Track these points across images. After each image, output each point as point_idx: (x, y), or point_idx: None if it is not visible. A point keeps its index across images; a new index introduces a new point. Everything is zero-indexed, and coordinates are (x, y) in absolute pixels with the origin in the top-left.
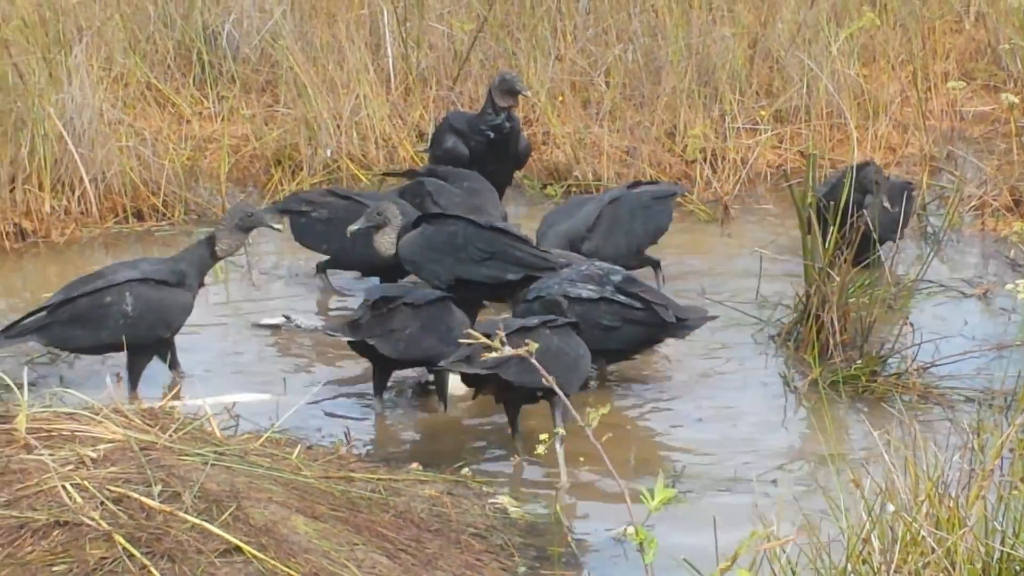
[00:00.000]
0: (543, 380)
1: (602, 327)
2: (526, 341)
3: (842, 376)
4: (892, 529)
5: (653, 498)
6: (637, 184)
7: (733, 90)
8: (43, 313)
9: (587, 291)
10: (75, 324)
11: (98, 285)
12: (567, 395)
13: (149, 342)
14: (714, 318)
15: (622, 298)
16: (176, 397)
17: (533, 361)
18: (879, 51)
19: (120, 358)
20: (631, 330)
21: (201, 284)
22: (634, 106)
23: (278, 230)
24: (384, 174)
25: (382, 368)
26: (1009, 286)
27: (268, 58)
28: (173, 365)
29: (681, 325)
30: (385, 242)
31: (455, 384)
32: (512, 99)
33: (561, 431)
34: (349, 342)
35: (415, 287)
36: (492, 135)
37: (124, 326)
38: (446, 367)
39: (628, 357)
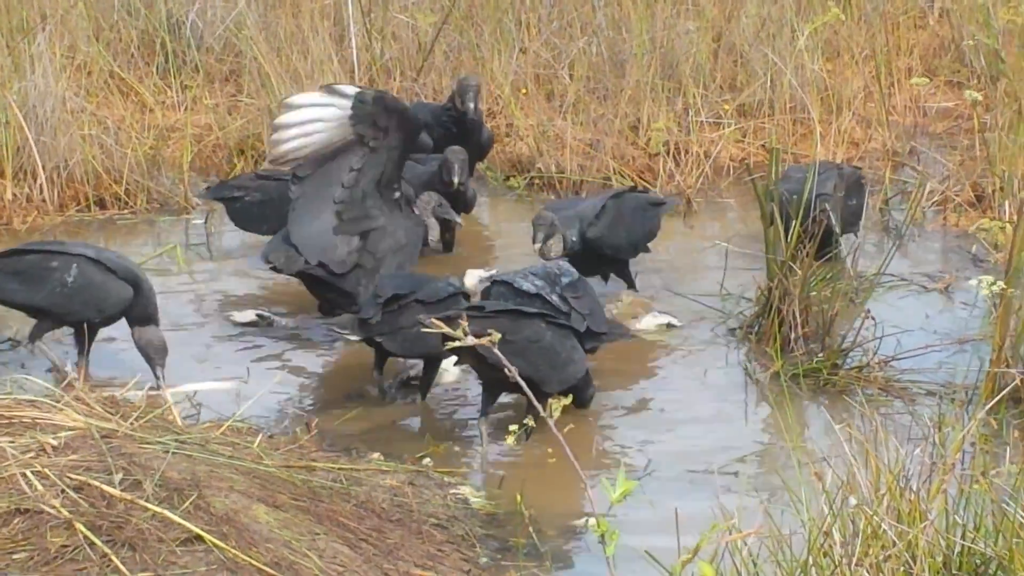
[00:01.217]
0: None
1: None
2: (490, 331)
3: (803, 369)
4: (853, 522)
5: (615, 490)
6: (634, 189)
7: (697, 84)
8: None
9: (529, 285)
10: (15, 277)
11: (51, 248)
12: (547, 392)
13: (74, 319)
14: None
15: (554, 299)
16: (138, 386)
17: (495, 350)
18: (843, 46)
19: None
20: None
21: None
22: (598, 99)
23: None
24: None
25: (383, 356)
26: (972, 281)
27: (232, 48)
28: (81, 351)
29: (593, 336)
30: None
31: (445, 368)
32: (464, 107)
33: (530, 423)
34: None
35: (425, 279)
36: (454, 129)
37: (59, 295)
38: (423, 320)
39: None
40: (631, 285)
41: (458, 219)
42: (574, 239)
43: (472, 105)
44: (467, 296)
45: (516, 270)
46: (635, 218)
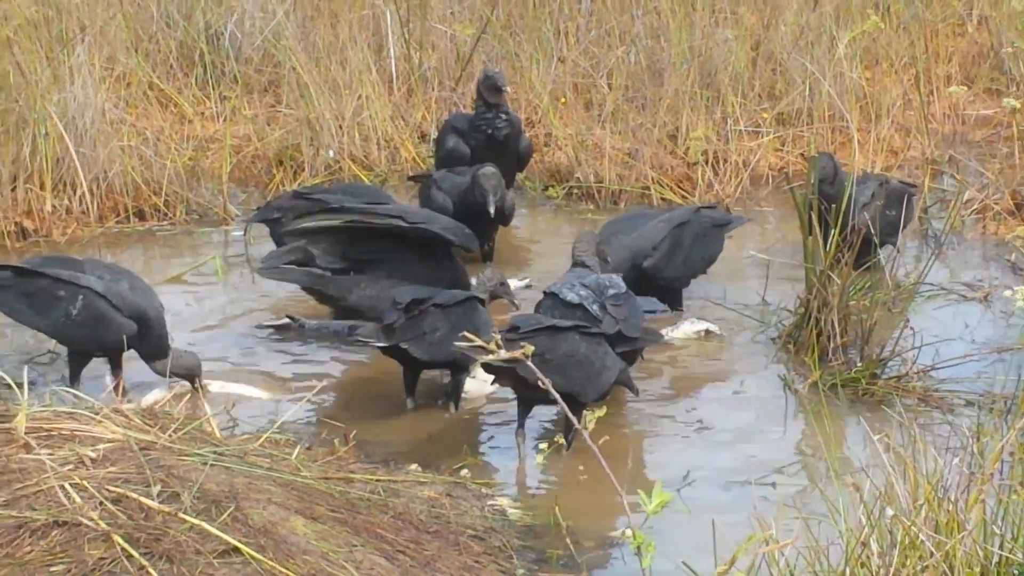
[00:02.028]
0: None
1: None
2: (522, 344)
3: (842, 379)
4: (891, 533)
5: (651, 501)
6: (700, 208)
7: (735, 92)
8: (8, 272)
9: (573, 295)
10: (25, 299)
11: (62, 276)
12: (583, 402)
13: (77, 348)
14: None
15: (594, 308)
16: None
17: (530, 364)
18: (882, 54)
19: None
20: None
21: None
22: (636, 108)
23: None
24: (410, 179)
25: (413, 369)
26: (1008, 292)
27: (270, 58)
28: (115, 367)
29: (625, 341)
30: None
31: (471, 387)
32: (497, 95)
33: (560, 440)
34: (381, 348)
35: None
36: (490, 132)
37: (62, 325)
38: (465, 349)
39: None
40: (678, 307)
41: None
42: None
43: (506, 86)
44: (483, 301)
45: (568, 278)
46: (695, 247)
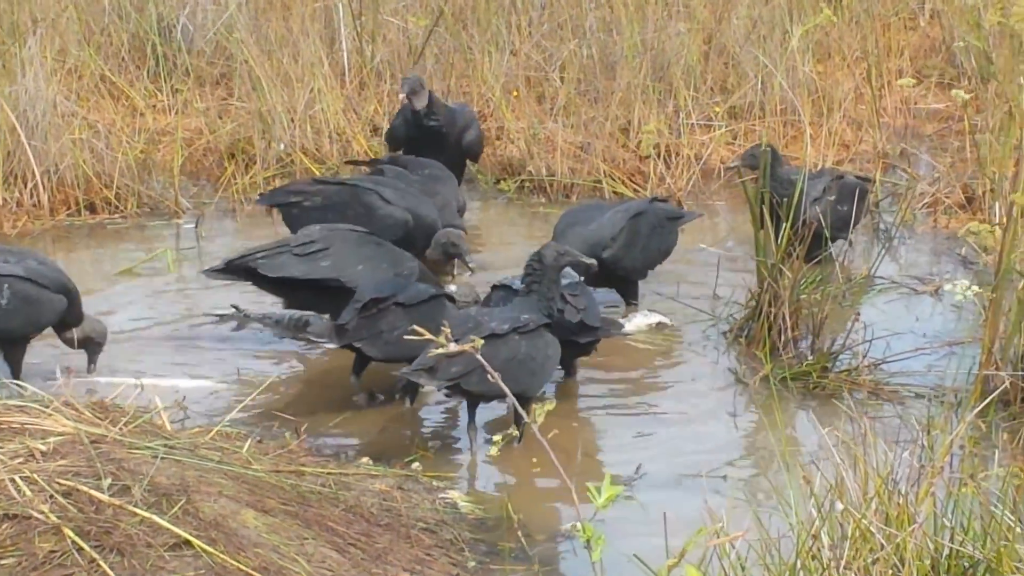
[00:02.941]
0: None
1: None
2: (472, 339)
3: (793, 372)
4: (842, 525)
5: (600, 495)
6: (654, 200)
7: (688, 86)
8: None
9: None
10: None
11: None
12: (529, 398)
13: (13, 337)
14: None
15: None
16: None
17: (490, 372)
18: (834, 48)
19: (69, 350)
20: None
21: None
22: (588, 102)
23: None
24: (348, 162)
25: (364, 360)
26: (948, 286)
27: (223, 51)
28: (17, 372)
29: (588, 330)
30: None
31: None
32: (412, 102)
33: (514, 432)
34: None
35: (408, 282)
36: (429, 124)
37: None
38: (408, 375)
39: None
40: (632, 301)
41: (470, 264)
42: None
43: (419, 104)
44: (452, 298)
45: (517, 275)
46: (652, 237)
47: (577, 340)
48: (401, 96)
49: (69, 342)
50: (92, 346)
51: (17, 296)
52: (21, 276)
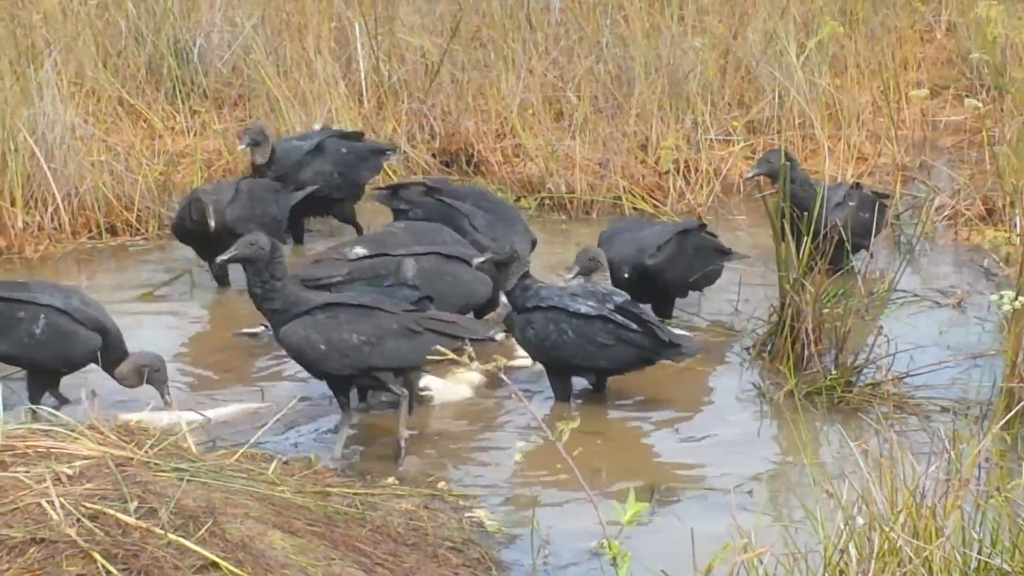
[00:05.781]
0: None
1: (596, 344)
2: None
3: (817, 387)
4: (869, 539)
5: (625, 512)
6: (706, 229)
7: (705, 101)
8: None
9: (586, 307)
10: None
11: (21, 297)
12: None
13: (43, 369)
14: (706, 350)
15: (619, 318)
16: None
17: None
18: (850, 61)
19: (95, 374)
20: (624, 349)
21: None
22: (606, 118)
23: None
24: (392, 187)
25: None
26: (992, 296)
27: (239, 72)
28: (34, 399)
29: (676, 349)
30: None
31: (444, 390)
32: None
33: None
34: None
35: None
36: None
37: (26, 346)
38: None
39: (619, 373)
40: (668, 316)
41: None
42: (627, 273)
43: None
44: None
45: (556, 292)
46: (697, 258)
47: (654, 357)
48: (241, 147)
49: (124, 382)
50: (155, 378)
51: (51, 327)
52: (58, 308)
